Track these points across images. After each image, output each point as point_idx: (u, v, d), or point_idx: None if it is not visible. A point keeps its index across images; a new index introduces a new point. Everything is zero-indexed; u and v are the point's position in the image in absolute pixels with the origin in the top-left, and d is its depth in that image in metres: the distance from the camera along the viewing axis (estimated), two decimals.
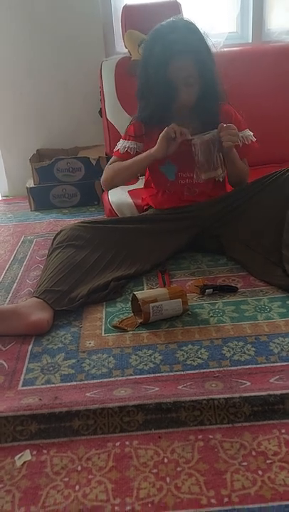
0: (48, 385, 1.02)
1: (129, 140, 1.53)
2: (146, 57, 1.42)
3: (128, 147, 1.53)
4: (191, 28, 1.38)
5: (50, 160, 2.13)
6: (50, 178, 2.14)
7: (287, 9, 2.19)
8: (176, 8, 1.98)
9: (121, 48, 2.18)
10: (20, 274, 1.56)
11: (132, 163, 1.48)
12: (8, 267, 1.62)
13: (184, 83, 1.37)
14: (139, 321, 1.21)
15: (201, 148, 1.35)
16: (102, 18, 2.18)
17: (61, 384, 1.02)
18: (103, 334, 1.19)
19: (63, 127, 2.33)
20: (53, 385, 1.02)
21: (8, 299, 1.40)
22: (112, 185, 1.59)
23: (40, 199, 2.17)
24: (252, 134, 1.52)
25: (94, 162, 2.11)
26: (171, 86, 1.38)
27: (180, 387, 0.97)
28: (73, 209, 2.16)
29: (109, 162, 1.59)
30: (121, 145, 1.55)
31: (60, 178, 2.14)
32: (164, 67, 1.35)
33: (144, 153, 1.46)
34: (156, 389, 0.97)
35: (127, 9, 2.01)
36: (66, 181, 2.15)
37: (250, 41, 2.23)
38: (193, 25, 1.39)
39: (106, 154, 2.10)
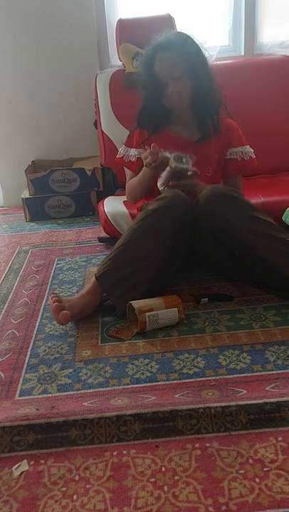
0: (45, 395, 1.02)
1: (131, 148, 1.56)
2: (141, 64, 1.49)
3: (131, 155, 1.56)
4: (181, 34, 1.45)
5: (46, 171, 2.15)
6: (45, 188, 2.15)
7: (278, 22, 2.23)
8: (170, 22, 2.02)
9: (115, 61, 2.21)
10: (15, 284, 1.56)
11: (138, 182, 1.50)
12: (4, 277, 1.62)
13: (170, 77, 1.41)
14: (135, 330, 1.21)
15: (169, 172, 1.36)
16: (96, 31, 2.22)
17: (58, 394, 1.02)
18: (99, 343, 1.20)
19: (58, 138, 2.35)
20: (49, 395, 1.02)
21: (4, 310, 1.40)
22: (135, 201, 1.59)
23: (36, 210, 2.17)
24: (252, 150, 1.53)
25: (89, 173, 2.12)
26: (158, 81, 1.42)
27: (177, 395, 0.98)
28: (68, 219, 2.17)
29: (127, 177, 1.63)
30: (125, 153, 1.58)
31: (55, 188, 2.16)
32: (150, 62, 1.42)
33: (143, 172, 1.47)
34: (153, 398, 0.98)
35: (122, 23, 2.04)
36: (61, 192, 2.16)
37: (243, 54, 2.27)
38: (186, 34, 1.44)
39: (101, 165, 2.12)
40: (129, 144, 1.58)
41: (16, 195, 2.30)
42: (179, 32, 1.48)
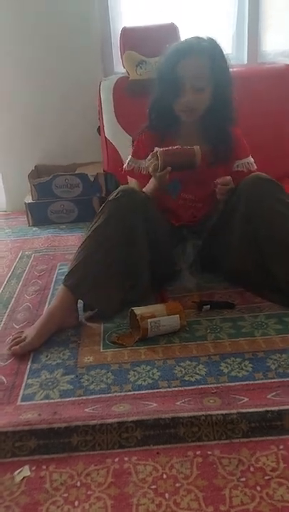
0: (47, 401, 1.03)
1: (140, 159, 1.50)
2: (160, 63, 1.43)
3: (142, 167, 1.50)
4: (211, 39, 1.38)
5: (49, 176, 2.16)
6: (48, 194, 2.16)
7: (281, 31, 2.25)
8: (174, 31, 2.03)
9: (119, 68, 2.23)
10: (18, 289, 1.56)
11: (152, 194, 1.43)
12: (6, 282, 1.62)
13: (192, 84, 1.34)
14: (137, 336, 1.22)
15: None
16: (101, 38, 2.23)
17: (60, 399, 1.03)
18: (101, 350, 1.20)
19: (61, 144, 2.36)
20: (51, 401, 1.03)
21: (5, 314, 1.41)
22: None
23: (39, 214, 2.19)
24: (253, 161, 1.52)
25: (92, 179, 2.13)
26: (177, 85, 1.35)
27: (178, 403, 0.98)
28: (71, 224, 2.18)
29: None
30: (134, 165, 1.52)
31: (58, 194, 2.17)
32: (175, 62, 1.34)
33: (152, 184, 1.42)
34: (155, 405, 0.98)
35: (126, 31, 2.06)
36: (64, 197, 2.17)
37: (246, 62, 2.28)
38: (216, 41, 1.38)
39: (104, 171, 2.13)
40: (136, 154, 1.52)
41: (18, 199, 2.31)
42: (211, 38, 1.38)
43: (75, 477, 0.85)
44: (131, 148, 1.95)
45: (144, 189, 1.45)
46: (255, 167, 1.52)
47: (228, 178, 1.38)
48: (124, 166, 1.56)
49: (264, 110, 2.03)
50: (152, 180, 1.41)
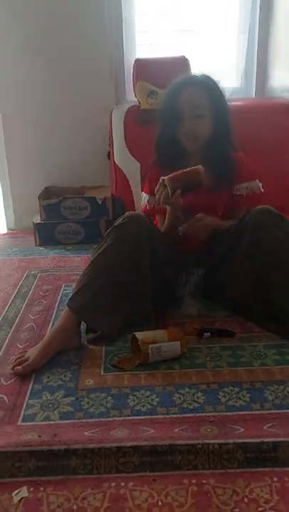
0: (47, 422, 1.05)
1: (151, 195, 1.55)
2: (162, 100, 1.54)
3: (151, 203, 1.57)
4: (207, 76, 1.51)
5: (58, 198, 2.21)
6: (56, 215, 2.21)
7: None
8: (185, 64, 2.10)
9: (131, 97, 2.30)
10: (23, 308, 1.59)
11: (167, 223, 1.50)
12: (12, 300, 1.66)
13: (192, 114, 1.45)
14: (138, 361, 1.24)
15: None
16: (115, 67, 2.32)
17: (60, 421, 1.05)
18: (102, 373, 1.22)
19: (71, 167, 2.42)
20: (52, 422, 1.05)
21: (10, 334, 1.43)
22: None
23: (46, 234, 2.23)
24: (261, 185, 1.55)
25: (100, 202, 2.18)
26: (178, 115, 1.46)
27: (176, 430, 1.00)
28: (77, 246, 2.22)
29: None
30: (153, 202, 1.55)
31: (66, 215, 2.22)
32: (175, 95, 1.47)
33: (168, 222, 1.48)
34: (153, 431, 1.00)
35: (139, 62, 2.14)
36: (72, 219, 2.22)
37: (254, 96, 2.36)
38: (212, 77, 1.51)
39: (112, 195, 2.18)
40: (150, 191, 1.57)
41: (27, 220, 2.36)
42: (207, 75, 1.52)
43: (72, 500, 0.86)
44: (139, 175, 2.03)
45: (162, 229, 1.50)
46: (260, 190, 1.55)
47: (198, 216, 1.44)
48: (144, 204, 1.62)
49: (266, 143, 2.06)
50: (168, 212, 1.46)
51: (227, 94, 1.54)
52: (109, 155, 2.19)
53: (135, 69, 2.13)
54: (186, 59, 2.12)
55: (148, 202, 1.61)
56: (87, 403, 1.10)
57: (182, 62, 2.11)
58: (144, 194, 1.64)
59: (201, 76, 1.52)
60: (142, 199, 1.65)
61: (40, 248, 2.21)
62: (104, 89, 2.32)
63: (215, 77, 1.51)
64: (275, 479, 0.89)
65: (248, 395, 1.11)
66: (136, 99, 2.17)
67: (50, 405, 1.10)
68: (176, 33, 2.43)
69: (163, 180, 1.39)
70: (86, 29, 2.24)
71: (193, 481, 0.89)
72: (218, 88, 1.50)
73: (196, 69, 1.62)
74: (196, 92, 1.47)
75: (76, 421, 1.05)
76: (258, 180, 1.57)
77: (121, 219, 1.40)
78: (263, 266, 1.35)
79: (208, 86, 1.48)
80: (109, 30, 2.25)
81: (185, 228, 1.45)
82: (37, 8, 2.21)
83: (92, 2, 2.21)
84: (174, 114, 1.47)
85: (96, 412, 1.07)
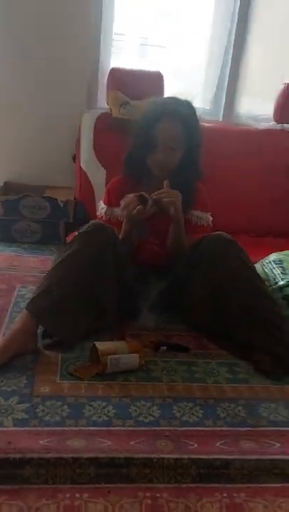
0: (1, 428, 1.02)
1: (112, 207, 1.58)
2: (139, 118, 1.55)
3: (115, 216, 1.57)
4: (188, 104, 1.51)
5: (17, 194, 2.16)
6: (15, 212, 2.16)
7: (255, 96, 2.44)
8: (159, 80, 2.14)
9: (102, 103, 2.31)
10: None
11: (123, 235, 1.50)
12: None
13: (166, 146, 1.46)
14: (95, 370, 1.24)
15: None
16: (90, 73, 2.32)
17: (14, 428, 1.03)
18: (58, 380, 1.21)
19: (34, 164, 2.38)
20: (5, 429, 1.02)
21: None
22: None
23: (2, 231, 2.17)
24: (211, 219, 1.60)
25: (61, 204, 2.16)
26: (153, 142, 1.46)
27: (132, 443, 1.01)
28: (34, 245, 2.17)
29: None
30: (111, 213, 1.59)
31: (24, 213, 2.17)
32: (153, 121, 1.46)
33: (124, 234, 1.49)
34: (109, 443, 1.00)
35: (114, 71, 2.15)
36: (31, 217, 2.18)
37: (221, 120, 2.45)
38: (193, 107, 1.52)
39: (74, 199, 2.17)
40: (110, 202, 1.59)
41: None
42: (188, 102, 1.51)
43: (26, 510, 0.85)
44: (104, 182, 2.03)
45: (122, 230, 1.51)
46: (209, 224, 1.59)
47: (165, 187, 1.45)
48: (100, 215, 1.62)
49: (230, 165, 2.15)
50: (126, 226, 1.48)
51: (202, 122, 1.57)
52: (75, 158, 2.18)
53: (110, 78, 2.14)
54: (161, 75, 2.16)
55: (105, 213, 1.61)
56: (42, 411, 1.09)
57: (157, 78, 2.15)
58: (102, 204, 1.63)
59: (184, 106, 1.49)
60: (100, 209, 1.64)
61: None
62: (77, 94, 2.32)
63: (193, 103, 1.53)
64: (225, 495, 0.93)
65: (201, 411, 1.15)
66: (107, 107, 2.18)
67: (4, 411, 1.08)
68: (152, 47, 2.48)
69: (143, 195, 1.41)
70: (64, 31, 2.23)
71: (148, 494, 0.91)
72: (196, 118, 1.52)
73: (174, 89, 1.64)
74: (175, 125, 1.46)
75: (31, 429, 1.03)
76: (209, 214, 1.61)
77: (86, 226, 1.41)
78: (220, 294, 1.40)
79: (187, 122, 1.48)
80: (88, 35, 2.25)
81: (157, 195, 1.44)
82: (17, 8, 2.19)
83: (71, 6, 2.20)
84: (149, 140, 1.48)
85: (51, 421, 1.06)
